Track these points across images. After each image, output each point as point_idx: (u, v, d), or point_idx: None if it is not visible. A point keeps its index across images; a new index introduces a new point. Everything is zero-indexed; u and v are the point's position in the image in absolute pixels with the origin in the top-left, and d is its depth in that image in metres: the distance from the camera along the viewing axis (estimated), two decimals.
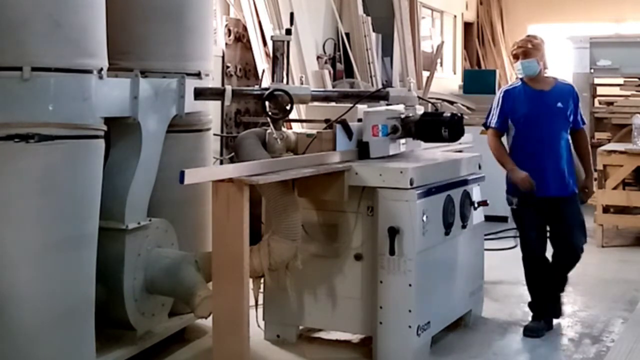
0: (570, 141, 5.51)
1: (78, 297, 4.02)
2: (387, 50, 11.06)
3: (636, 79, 11.68)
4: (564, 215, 5.39)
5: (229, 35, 7.50)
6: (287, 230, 4.57)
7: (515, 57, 5.39)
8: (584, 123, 5.53)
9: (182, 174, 3.82)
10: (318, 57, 9.06)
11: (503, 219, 9.31)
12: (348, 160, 4.91)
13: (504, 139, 5.57)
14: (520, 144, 5.41)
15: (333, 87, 8.68)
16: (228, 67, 7.44)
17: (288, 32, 5.32)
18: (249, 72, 7.75)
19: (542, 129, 5.35)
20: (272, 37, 5.49)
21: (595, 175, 8.52)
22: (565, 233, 5.43)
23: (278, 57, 5.12)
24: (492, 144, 5.48)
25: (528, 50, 5.32)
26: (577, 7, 15.38)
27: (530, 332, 5.40)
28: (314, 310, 5.04)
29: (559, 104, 5.35)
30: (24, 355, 3.85)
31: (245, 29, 7.66)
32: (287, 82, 5.21)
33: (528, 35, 5.58)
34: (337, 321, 5.04)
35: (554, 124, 5.36)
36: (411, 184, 4.68)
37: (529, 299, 5.62)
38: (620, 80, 11.88)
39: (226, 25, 7.50)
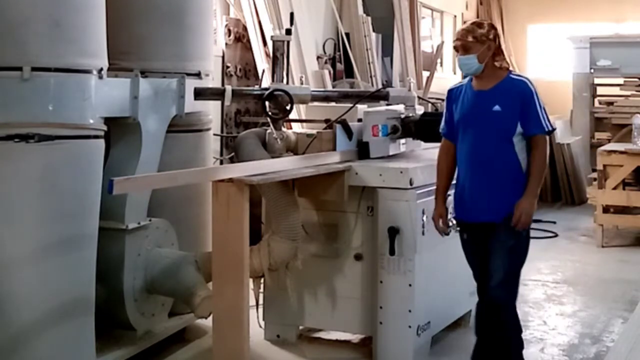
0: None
1: (78, 297, 4.02)
2: (387, 50, 11.06)
3: (636, 79, 11.69)
4: (490, 249, 4.34)
5: (229, 35, 7.49)
6: (287, 230, 4.57)
7: (456, 50, 4.44)
8: (543, 130, 4.26)
9: (110, 183, 3.50)
10: (318, 57, 9.05)
11: None
12: (348, 160, 4.91)
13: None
14: (459, 157, 4.40)
15: (333, 87, 8.68)
16: (228, 67, 7.44)
17: (288, 32, 5.33)
18: (249, 72, 7.75)
19: (473, 139, 4.30)
20: (272, 37, 5.49)
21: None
22: (486, 274, 4.35)
23: (278, 57, 5.12)
24: (438, 154, 4.53)
25: (467, 44, 4.31)
26: (577, 7, 15.37)
27: None
28: (314, 310, 5.04)
29: (496, 107, 4.25)
30: (24, 355, 3.85)
31: (245, 29, 7.66)
32: (287, 82, 5.21)
33: (472, 23, 4.44)
34: (337, 321, 5.04)
35: (487, 132, 4.26)
36: (411, 184, 4.68)
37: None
38: (620, 80, 11.89)
39: (226, 25, 7.50)
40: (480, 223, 4.35)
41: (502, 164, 4.28)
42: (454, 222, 4.48)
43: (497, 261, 4.32)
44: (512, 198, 4.26)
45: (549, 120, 4.31)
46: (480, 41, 4.31)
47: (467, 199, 4.34)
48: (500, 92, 4.31)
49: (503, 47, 4.46)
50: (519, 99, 4.27)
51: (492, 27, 4.43)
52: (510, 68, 4.45)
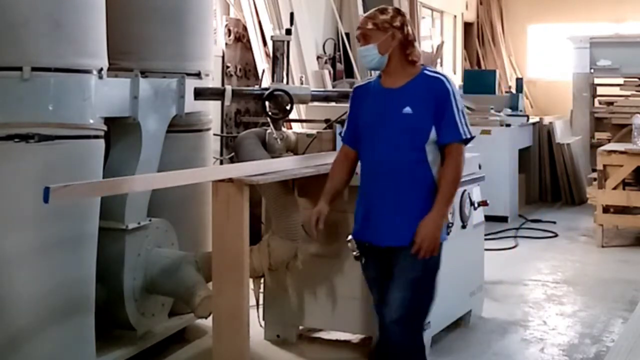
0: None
1: (78, 297, 4.02)
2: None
3: (636, 79, 11.68)
4: (393, 277, 3.74)
5: (229, 35, 7.50)
6: (287, 230, 4.57)
7: (358, 40, 3.83)
8: (459, 137, 3.64)
9: (46, 191, 3.27)
10: (318, 57, 9.05)
11: (503, 219, 9.35)
12: None
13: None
14: (362, 166, 3.87)
15: (333, 87, 8.68)
16: (228, 67, 7.44)
17: (288, 32, 5.33)
18: (249, 72, 7.75)
19: (379, 146, 3.72)
20: (272, 37, 5.49)
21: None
22: (385, 304, 3.78)
23: (278, 57, 5.13)
24: (333, 161, 4.05)
25: (366, 32, 3.71)
26: (577, 7, 15.38)
27: None
28: (314, 310, 5.04)
29: (407, 109, 3.64)
30: (24, 355, 3.85)
31: (245, 29, 7.66)
32: (287, 82, 5.21)
33: (376, 9, 3.77)
34: (337, 321, 5.03)
35: (395, 138, 3.66)
36: None
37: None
38: (620, 80, 11.89)
39: (226, 25, 7.50)
40: (382, 247, 3.73)
41: (412, 177, 3.66)
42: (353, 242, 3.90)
43: (397, 293, 3.68)
44: (421, 219, 3.62)
45: (467, 127, 3.67)
46: (382, 29, 3.68)
47: (367, 218, 3.78)
48: (412, 91, 3.68)
49: (415, 36, 3.78)
50: (434, 99, 3.64)
51: (399, 13, 3.74)
52: (423, 62, 3.79)
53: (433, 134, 3.64)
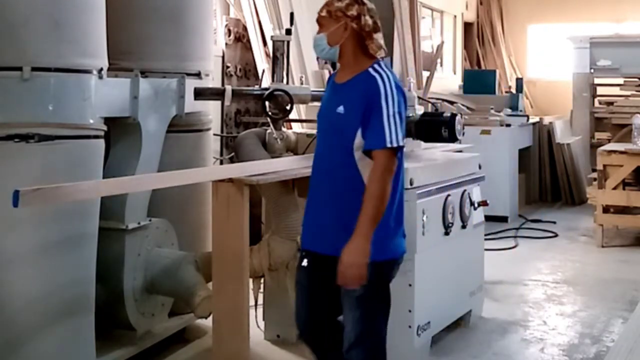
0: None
1: (78, 297, 4.02)
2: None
3: (636, 79, 11.69)
4: (338, 289, 3.37)
5: (229, 35, 7.50)
6: (287, 230, 4.57)
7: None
8: (383, 143, 3.23)
9: (15, 195, 3.13)
10: (318, 57, 9.05)
11: (503, 219, 9.35)
12: None
13: None
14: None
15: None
16: (228, 67, 7.44)
17: (288, 32, 5.32)
18: (249, 72, 7.75)
19: (319, 144, 3.51)
20: (272, 37, 5.49)
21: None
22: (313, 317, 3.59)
23: (278, 57, 5.12)
24: None
25: (320, 19, 3.43)
26: (577, 7, 15.38)
27: None
28: None
29: (340, 109, 3.34)
30: (24, 355, 3.85)
31: (245, 29, 7.66)
32: (287, 82, 5.21)
33: None
34: None
35: (330, 138, 3.40)
36: (411, 184, 4.68)
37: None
38: (620, 80, 11.89)
39: (226, 25, 7.50)
40: (320, 255, 3.43)
41: (344, 182, 3.34)
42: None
43: (348, 313, 3.39)
44: (351, 229, 3.24)
45: (397, 134, 3.24)
46: (334, 17, 3.37)
47: (305, 219, 3.52)
48: (350, 89, 3.37)
49: (377, 27, 3.45)
50: (365, 100, 3.28)
51: (357, 1, 3.39)
52: (380, 57, 3.43)
53: (359, 139, 3.29)
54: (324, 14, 3.40)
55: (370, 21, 3.40)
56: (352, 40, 3.38)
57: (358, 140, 3.29)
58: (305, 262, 3.52)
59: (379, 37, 3.41)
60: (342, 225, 3.29)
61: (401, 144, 3.26)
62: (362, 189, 3.27)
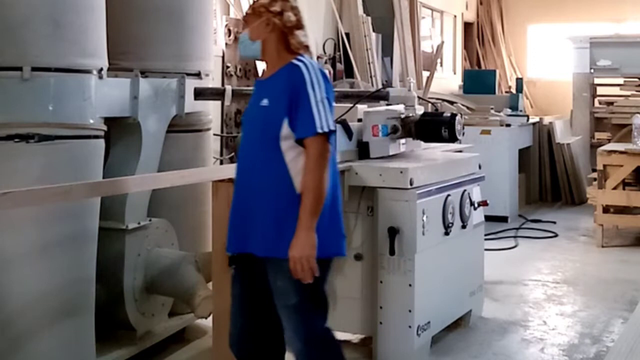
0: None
1: (78, 297, 4.02)
2: (387, 50, 11.07)
3: (636, 79, 11.69)
4: (270, 293, 3.34)
5: (229, 35, 7.50)
6: None
7: None
8: (313, 130, 3.18)
9: None
10: (318, 57, 9.06)
11: (503, 219, 9.35)
12: (348, 160, 4.91)
13: None
14: None
15: (333, 87, 8.66)
16: (228, 67, 7.44)
17: None
18: (249, 72, 7.75)
19: (242, 142, 3.44)
20: None
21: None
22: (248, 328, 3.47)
23: None
24: None
25: (245, 17, 3.44)
26: (577, 7, 15.39)
27: None
28: None
29: (264, 102, 3.30)
30: (24, 355, 3.85)
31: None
32: None
33: None
34: (337, 321, 5.00)
35: (254, 134, 3.34)
36: (411, 184, 4.68)
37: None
38: (620, 80, 11.89)
39: (226, 25, 7.51)
40: (247, 255, 3.34)
41: (269, 178, 3.25)
42: None
43: (285, 325, 3.31)
44: (282, 227, 3.20)
45: (327, 119, 3.21)
46: (257, 14, 3.37)
47: (232, 220, 3.40)
48: (273, 82, 3.33)
49: (300, 23, 3.39)
50: (290, 89, 3.23)
51: None
52: (302, 52, 3.39)
53: (287, 129, 3.22)
54: (249, 11, 3.41)
55: (293, 17, 3.37)
56: (275, 36, 3.35)
57: (285, 130, 3.23)
58: (233, 268, 3.45)
59: (301, 34, 3.38)
60: (272, 224, 3.23)
61: (332, 127, 3.22)
62: (291, 183, 3.23)
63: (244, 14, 3.45)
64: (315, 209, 3.17)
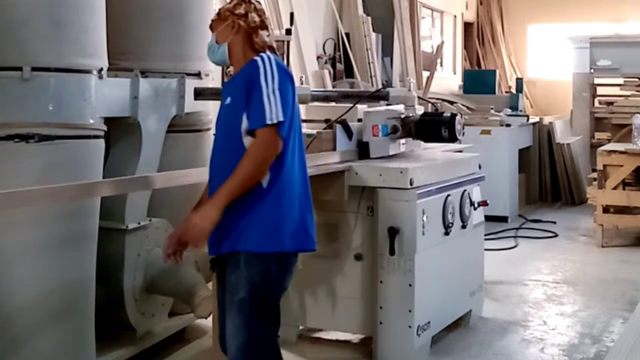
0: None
1: (78, 297, 4.02)
2: (387, 50, 11.08)
3: (636, 79, 11.69)
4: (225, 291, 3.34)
5: None
6: None
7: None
8: (262, 121, 3.16)
9: None
10: (318, 57, 9.07)
11: (503, 219, 9.35)
12: (348, 160, 4.91)
13: None
14: None
15: (333, 87, 8.68)
16: (228, 67, 7.43)
17: (288, 32, 5.33)
18: None
19: (213, 150, 3.44)
20: None
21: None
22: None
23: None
24: None
25: (212, 24, 3.48)
26: (577, 7, 15.40)
27: None
28: (314, 310, 5.04)
29: (228, 100, 3.32)
30: (24, 355, 3.85)
31: None
32: None
33: None
34: (337, 321, 5.04)
35: (220, 133, 3.38)
36: (411, 184, 4.68)
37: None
38: (620, 80, 11.90)
39: None
40: (222, 257, 3.32)
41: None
42: None
43: (228, 320, 3.27)
44: (244, 223, 3.20)
45: (277, 109, 3.17)
46: (223, 17, 3.42)
47: None
48: (236, 79, 3.37)
49: (263, 23, 3.42)
50: (246, 82, 3.25)
51: (244, 1, 3.43)
52: (268, 51, 3.39)
53: (246, 124, 3.23)
54: (214, 18, 3.46)
55: (257, 18, 3.42)
56: (241, 37, 3.40)
57: (244, 124, 3.24)
58: (216, 271, 3.43)
59: (264, 34, 3.42)
60: (235, 220, 3.22)
61: (281, 118, 3.17)
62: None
63: (211, 21, 3.50)
64: (236, 192, 3.16)
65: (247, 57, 3.36)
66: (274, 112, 3.16)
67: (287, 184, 3.27)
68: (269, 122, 3.15)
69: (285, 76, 3.29)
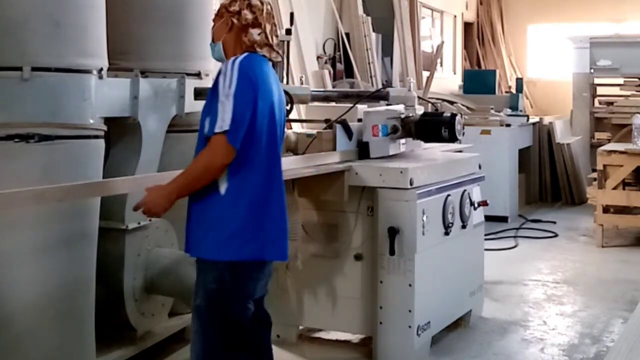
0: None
1: (78, 297, 4.02)
2: (387, 50, 11.08)
3: (636, 79, 11.69)
4: None
5: None
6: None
7: None
8: (212, 131, 3.19)
9: None
10: (318, 57, 9.07)
11: (503, 219, 9.36)
12: (348, 160, 4.91)
13: None
14: None
15: (333, 87, 8.68)
16: None
17: (288, 32, 5.33)
18: None
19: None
20: None
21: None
22: None
23: None
24: None
25: (213, 20, 3.51)
26: (577, 7, 15.39)
27: None
28: (314, 310, 5.04)
29: (204, 102, 3.42)
30: (24, 355, 3.85)
31: None
32: (287, 82, 5.21)
33: None
34: (337, 321, 5.04)
35: (198, 135, 3.40)
36: (411, 184, 4.68)
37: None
38: (620, 80, 11.90)
39: None
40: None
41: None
42: None
43: (191, 328, 3.33)
44: (204, 228, 3.26)
45: (226, 117, 3.14)
46: (219, 15, 3.43)
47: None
48: (214, 81, 3.36)
49: (256, 21, 3.37)
50: (213, 87, 3.28)
51: None
52: (259, 49, 3.37)
53: (207, 129, 3.25)
54: (213, 15, 3.47)
55: (249, 16, 3.37)
56: (234, 35, 3.38)
57: (206, 129, 3.26)
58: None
59: (255, 32, 3.37)
60: (196, 225, 3.27)
61: (226, 127, 3.14)
62: (214, 183, 3.23)
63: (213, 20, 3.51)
64: (183, 190, 3.23)
65: (237, 56, 3.33)
66: (223, 120, 3.14)
67: (249, 192, 3.25)
68: (217, 130, 3.14)
69: (247, 82, 3.21)
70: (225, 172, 3.21)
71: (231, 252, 3.24)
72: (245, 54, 3.33)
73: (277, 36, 3.45)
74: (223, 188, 3.22)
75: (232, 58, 3.28)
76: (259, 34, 3.36)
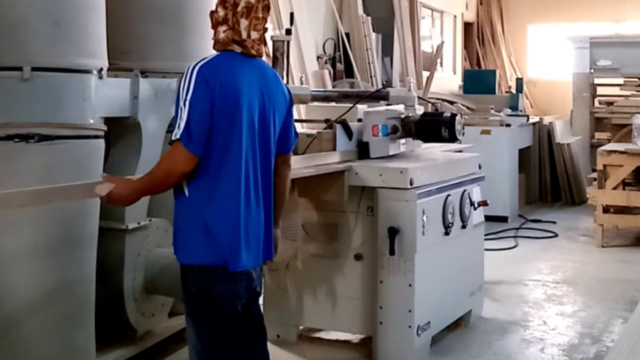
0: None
1: (78, 297, 4.02)
2: (387, 50, 11.08)
3: (636, 79, 11.69)
4: None
5: None
6: (287, 230, 4.56)
7: None
8: (171, 138, 3.19)
9: None
10: (318, 57, 9.07)
11: (503, 219, 9.36)
12: (348, 160, 4.91)
13: None
14: None
15: (333, 87, 8.68)
16: None
17: (288, 32, 5.34)
18: None
19: None
20: (272, 37, 5.49)
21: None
22: None
23: (278, 57, 5.13)
24: None
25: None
26: (577, 7, 15.39)
27: None
28: (314, 310, 5.04)
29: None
30: (24, 355, 3.85)
31: None
32: (287, 82, 5.21)
33: None
34: (337, 321, 5.04)
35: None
36: (411, 184, 4.68)
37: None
38: (620, 80, 11.90)
39: None
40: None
41: (178, 184, 3.29)
42: None
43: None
44: (176, 232, 3.31)
45: (180, 125, 3.10)
46: (210, 14, 3.37)
47: None
48: None
49: (231, 18, 3.26)
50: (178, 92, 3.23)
51: None
52: (228, 47, 3.28)
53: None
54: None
55: (221, 13, 3.29)
56: (213, 34, 3.35)
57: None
58: None
59: (221, 29, 3.27)
60: (174, 231, 3.32)
61: (178, 135, 3.10)
62: (181, 187, 3.26)
63: None
64: (146, 190, 3.34)
65: (202, 58, 3.28)
66: (179, 127, 3.11)
67: (215, 196, 3.20)
68: (174, 137, 3.13)
69: (204, 88, 3.12)
70: (194, 175, 3.20)
71: (198, 257, 3.23)
72: (216, 54, 3.27)
73: (261, 30, 3.32)
74: (187, 191, 3.25)
75: (194, 62, 3.21)
76: (224, 32, 3.26)
